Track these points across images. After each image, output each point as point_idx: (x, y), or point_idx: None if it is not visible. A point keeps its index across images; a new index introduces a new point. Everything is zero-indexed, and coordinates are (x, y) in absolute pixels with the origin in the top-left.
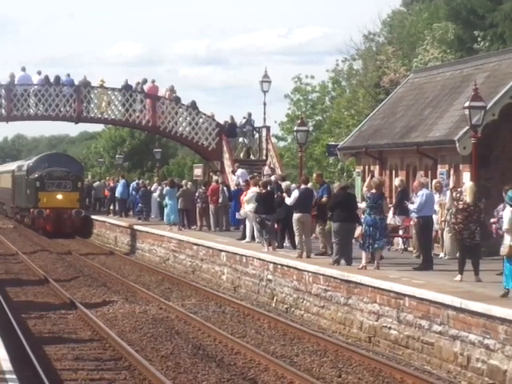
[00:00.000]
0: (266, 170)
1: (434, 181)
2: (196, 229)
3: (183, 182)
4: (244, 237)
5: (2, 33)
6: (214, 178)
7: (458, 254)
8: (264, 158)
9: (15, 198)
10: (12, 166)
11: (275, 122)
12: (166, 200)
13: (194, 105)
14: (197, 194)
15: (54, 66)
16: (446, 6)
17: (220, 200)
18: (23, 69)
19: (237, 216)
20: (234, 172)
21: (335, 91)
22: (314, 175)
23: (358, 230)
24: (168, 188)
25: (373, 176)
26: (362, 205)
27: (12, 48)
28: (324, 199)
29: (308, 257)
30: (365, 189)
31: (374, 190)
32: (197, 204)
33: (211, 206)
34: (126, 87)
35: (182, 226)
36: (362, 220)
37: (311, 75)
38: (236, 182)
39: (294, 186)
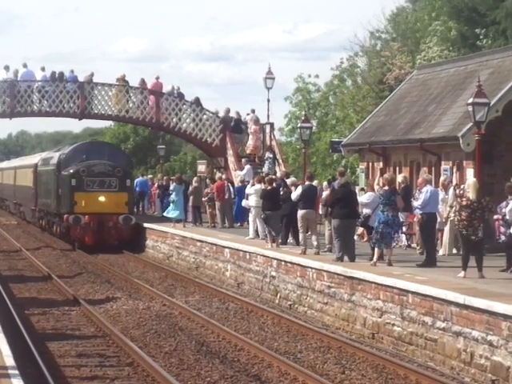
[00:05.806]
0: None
1: (441, 178)
2: (209, 226)
3: (194, 179)
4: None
5: (8, 27)
6: (218, 174)
7: (456, 251)
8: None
9: (39, 199)
10: (34, 158)
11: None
12: (173, 196)
13: (197, 101)
14: (206, 191)
15: (60, 61)
16: (447, 3)
17: (226, 196)
18: (25, 65)
19: (243, 203)
20: (241, 169)
21: (339, 88)
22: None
23: (360, 229)
24: (175, 184)
25: (382, 174)
26: (361, 198)
27: (18, 43)
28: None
29: (317, 253)
30: (376, 186)
31: (386, 187)
32: (205, 201)
33: (217, 203)
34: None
35: (195, 223)
36: (362, 216)
37: (316, 74)
38: (241, 178)
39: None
